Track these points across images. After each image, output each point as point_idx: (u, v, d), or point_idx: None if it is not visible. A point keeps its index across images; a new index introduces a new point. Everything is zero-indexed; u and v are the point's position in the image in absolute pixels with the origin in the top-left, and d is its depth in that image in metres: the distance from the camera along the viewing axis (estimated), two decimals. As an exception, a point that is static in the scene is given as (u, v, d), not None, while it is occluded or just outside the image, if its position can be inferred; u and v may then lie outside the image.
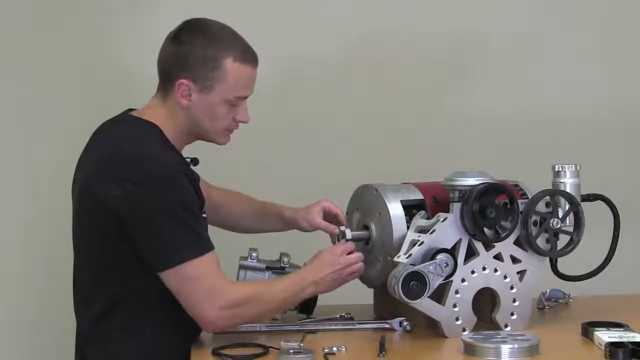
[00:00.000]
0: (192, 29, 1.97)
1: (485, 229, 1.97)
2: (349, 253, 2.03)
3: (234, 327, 1.98)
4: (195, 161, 2.07)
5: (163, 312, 1.92)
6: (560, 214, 2.03)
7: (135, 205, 1.85)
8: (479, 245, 1.98)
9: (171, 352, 1.94)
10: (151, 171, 1.86)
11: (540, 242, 2.02)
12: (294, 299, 2.00)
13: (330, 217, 2.18)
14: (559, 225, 2.02)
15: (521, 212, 1.99)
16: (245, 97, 2.00)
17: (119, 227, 1.86)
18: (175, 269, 1.85)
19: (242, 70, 1.95)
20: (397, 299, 1.91)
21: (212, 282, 1.87)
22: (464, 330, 1.96)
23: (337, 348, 1.86)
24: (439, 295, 1.95)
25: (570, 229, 2.04)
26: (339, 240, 2.12)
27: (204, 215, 1.97)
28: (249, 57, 1.97)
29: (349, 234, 2.10)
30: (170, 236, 1.84)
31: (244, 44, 1.98)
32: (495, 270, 2.00)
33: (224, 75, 1.94)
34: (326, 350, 1.85)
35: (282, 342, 1.80)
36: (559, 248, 2.04)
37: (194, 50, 1.93)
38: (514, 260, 2.01)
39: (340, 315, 2.16)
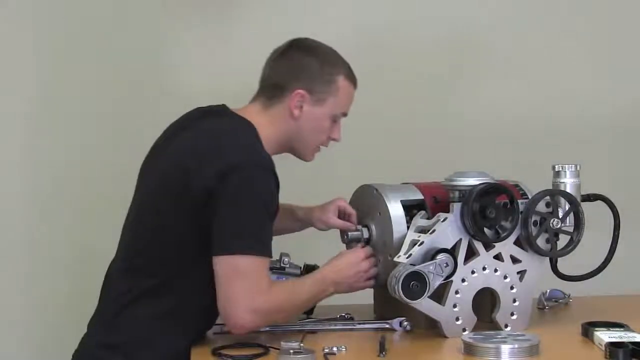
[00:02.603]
0: (305, 46, 2.08)
1: (486, 229, 1.97)
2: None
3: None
4: None
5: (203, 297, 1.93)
6: (560, 214, 2.03)
7: (226, 182, 1.86)
8: (479, 245, 1.98)
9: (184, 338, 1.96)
10: (252, 159, 1.91)
11: (540, 242, 2.02)
12: (316, 299, 2.02)
13: (344, 217, 2.19)
14: (559, 225, 2.02)
15: (521, 212, 1.99)
16: (345, 115, 2.11)
17: (205, 203, 1.87)
18: (231, 257, 1.86)
19: (349, 88, 2.09)
20: (397, 299, 1.91)
21: (257, 283, 1.87)
22: (464, 330, 1.96)
23: (337, 348, 1.86)
24: (439, 295, 1.95)
25: (570, 229, 2.04)
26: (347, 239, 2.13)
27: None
28: (354, 78, 2.10)
29: (366, 233, 2.11)
30: (245, 225, 1.87)
31: (349, 66, 2.09)
32: (495, 270, 2.00)
33: (336, 91, 2.06)
34: (326, 350, 1.85)
35: (282, 342, 1.80)
36: (559, 248, 2.04)
37: (311, 64, 2.05)
38: (514, 260, 2.01)
39: (340, 315, 2.16)
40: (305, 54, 2.06)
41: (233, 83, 2.39)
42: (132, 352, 1.95)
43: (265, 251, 1.90)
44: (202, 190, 1.88)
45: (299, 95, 2.03)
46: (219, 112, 2.06)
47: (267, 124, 2.03)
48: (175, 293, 1.95)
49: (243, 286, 1.86)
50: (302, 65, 2.05)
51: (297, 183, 2.74)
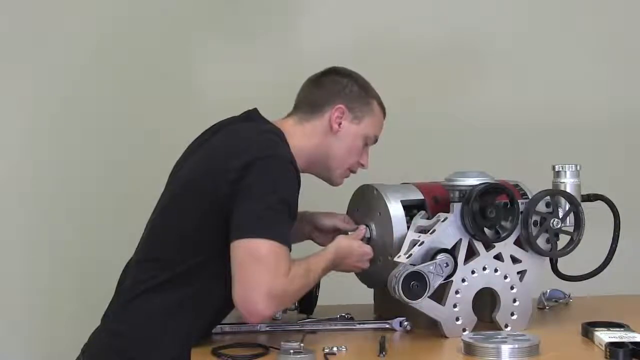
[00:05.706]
0: (343, 71, 2.16)
1: (486, 229, 1.97)
2: None
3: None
4: None
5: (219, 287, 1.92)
6: (561, 214, 2.03)
7: (249, 172, 1.88)
8: (479, 245, 1.98)
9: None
10: (276, 153, 1.93)
11: (541, 242, 2.02)
12: (323, 275, 2.01)
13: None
14: (559, 226, 2.02)
15: (521, 212, 1.99)
16: (376, 141, 2.16)
17: (229, 196, 1.88)
18: (252, 241, 1.84)
19: (381, 115, 2.16)
20: (397, 299, 1.91)
21: (277, 268, 1.84)
22: (464, 330, 1.96)
23: (337, 348, 1.86)
24: (439, 295, 1.95)
25: (571, 229, 2.04)
26: None
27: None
28: (384, 107, 2.17)
29: (368, 233, 2.12)
30: (267, 211, 1.86)
31: (379, 97, 2.17)
32: (496, 270, 2.00)
33: (372, 112, 2.13)
34: (326, 350, 1.85)
35: (282, 342, 1.80)
36: (559, 248, 2.04)
37: (351, 85, 2.12)
38: (514, 260, 2.01)
39: (340, 315, 2.16)
40: (344, 76, 2.13)
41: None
42: (139, 340, 1.95)
43: (286, 240, 1.87)
44: (227, 184, 1.89)
45: (340, 110, 2.08)
46: (249, 117, 2.09)
47: (300, 136, 2.07)
48: (190, 286, 1.94)
49: (263, 271, 1.83)
50: (342, 85, 2.11)
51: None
